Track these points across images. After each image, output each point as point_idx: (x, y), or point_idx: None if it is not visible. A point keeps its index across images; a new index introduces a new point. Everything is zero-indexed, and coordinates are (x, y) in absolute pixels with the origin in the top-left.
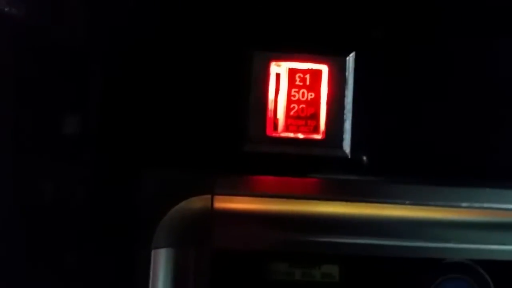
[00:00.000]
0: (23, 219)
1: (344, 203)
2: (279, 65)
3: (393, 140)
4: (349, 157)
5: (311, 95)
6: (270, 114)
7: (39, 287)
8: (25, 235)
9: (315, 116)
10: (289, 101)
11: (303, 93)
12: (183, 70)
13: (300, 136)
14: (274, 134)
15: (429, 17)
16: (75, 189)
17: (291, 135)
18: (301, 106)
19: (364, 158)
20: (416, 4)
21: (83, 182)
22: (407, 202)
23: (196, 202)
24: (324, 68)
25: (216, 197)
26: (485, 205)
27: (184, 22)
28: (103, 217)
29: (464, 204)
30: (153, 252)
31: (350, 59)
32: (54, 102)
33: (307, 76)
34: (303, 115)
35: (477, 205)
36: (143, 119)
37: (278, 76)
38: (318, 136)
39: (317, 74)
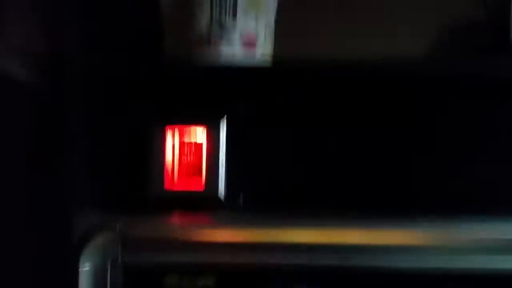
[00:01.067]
0: None
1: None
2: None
3: (260, 185)
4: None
5: (194, 156)
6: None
7: None
8: None
9: (199, 173)
10: (181, 161)
11: (189, 159)
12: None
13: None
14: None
15: None
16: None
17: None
18: (189, 164)
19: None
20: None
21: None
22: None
23: (108, 236)
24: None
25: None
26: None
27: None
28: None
29: None
30: (80, 271)
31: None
32: None
33: (192, 146)
34: (190, 173)
35: None
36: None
37: (173, 146)
38: (200, 189)
39: (198, 146)
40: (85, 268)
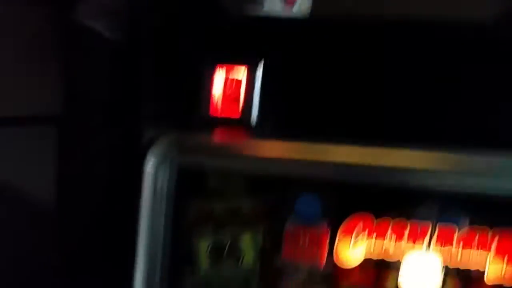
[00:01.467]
0: None
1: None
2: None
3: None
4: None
5: (235, 90)
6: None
7: None
8: None
9: (237, 101)
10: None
11: (232, 89)
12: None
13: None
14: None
15: None
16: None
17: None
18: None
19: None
20: None
21: None
22: None
23: (167, 141)
24: (243, 76)
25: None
26: None
27: None
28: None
29: None
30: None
31: (258, 72)
32: None
33: (234, 82)
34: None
35: None
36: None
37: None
38: (237, 115)
39: (239, 82)
40: (150, 164)
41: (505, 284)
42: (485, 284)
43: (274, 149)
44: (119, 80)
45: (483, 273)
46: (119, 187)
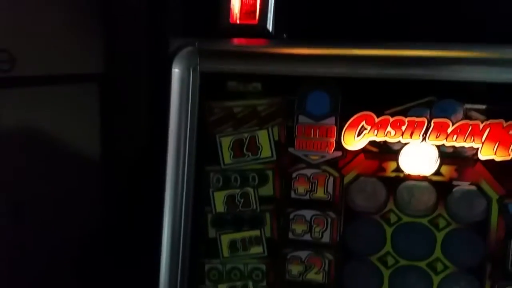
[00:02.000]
0: None
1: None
2: None
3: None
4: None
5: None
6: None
7: None
8: None
9: (254, 12)
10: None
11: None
12: None
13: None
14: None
15: None
16: None
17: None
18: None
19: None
20: None
21: None
22: None
23: (190, 49)
24: None
25: (200, 47)
26: None
27: None
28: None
29: None
30: (173, 72)
31: None
32: None
33: None
34: (249, 12)
35: None
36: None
37: None
38: (255, 22)
39: None
40: (176, 70)
41: (496, 158)
42: (479, 159)
43: (285, 50)
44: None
45: (476, 152)
46: (153, 92)
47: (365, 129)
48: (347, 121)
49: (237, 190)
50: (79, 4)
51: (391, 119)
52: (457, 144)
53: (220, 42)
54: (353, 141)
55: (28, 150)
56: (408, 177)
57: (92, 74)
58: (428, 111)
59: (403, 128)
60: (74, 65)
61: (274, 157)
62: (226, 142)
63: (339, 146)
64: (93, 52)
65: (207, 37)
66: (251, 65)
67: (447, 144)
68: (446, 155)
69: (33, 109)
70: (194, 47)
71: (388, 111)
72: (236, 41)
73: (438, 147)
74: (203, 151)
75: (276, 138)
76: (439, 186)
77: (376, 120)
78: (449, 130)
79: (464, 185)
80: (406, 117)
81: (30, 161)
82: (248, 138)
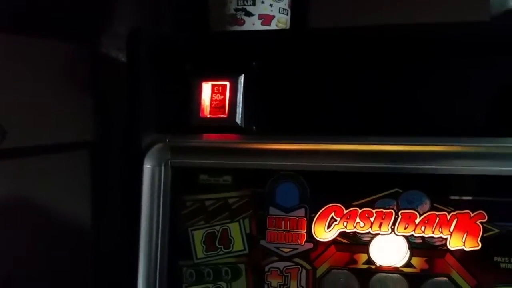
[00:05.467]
0: None
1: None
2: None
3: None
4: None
5: (221, 96)
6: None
7: None
8: None
9: (223, 106)
10: (212, 99)
11: (217, 96)
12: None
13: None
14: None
15: None
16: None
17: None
18: (216, 102)
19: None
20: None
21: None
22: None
23: (162, 145)
24: (227, 83)
25: (170, 143)
26: None
27: None
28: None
29: None
30: (144, 168)
31: (241, 78)
32: None
33: (220, 88)
34: (218, 106)
35: None
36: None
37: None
38: (224, 116)
39: (224, 86)
40: (147, 166)
41: (466, 248)
42: (448, 250)
43: (255, 145)
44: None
45: (445, 242)
46: (125, 187)
47: (335, 220)
48: (316, 212)
49: (210, 285)
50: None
51: (360, 211)
52: (425, 235)
53: (191, 137)
54: (324, 233)
55: (19, 221)
56: (380, 269)
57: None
58: (395, 202)
59: (372, 219)
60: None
61: (247, 250)
62: (198, 236)
63: (310, 238)
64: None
65: (179, 131)
66: (222, 160)
67: (416, 234)
68: (416, 246)
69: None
70: (165, 143)
71: (356, 203)
72: (206, 136)
73: (407, 238)
74: (175, 245)
75: (248, 231)
76: (411, 278)
77: (345, 211)
78: (417, 221)
79: (436, 277)
80: (373, 208)
81: (20, 233)
82: (220, 231)
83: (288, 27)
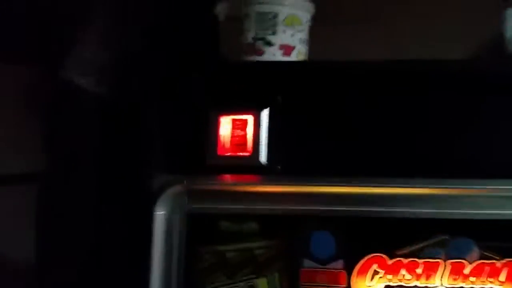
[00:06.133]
0: None
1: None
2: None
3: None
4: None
5: (243, 132)
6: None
7: None
8: None
9: (245, 143)
10: (232, 135)
11: (238, 131)
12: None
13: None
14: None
15: None
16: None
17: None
18: (237, 138)
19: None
20: None
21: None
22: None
23: (177, 188)
24: (250, 118)
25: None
26: None
27: None
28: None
29: None
30: (156, 215)
31: (264, 113)
32: None
33: (241, 123)
34: (239, 143)
35: None
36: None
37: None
38: (247, 154)
39: (245, 121)
40: (160, 213)
41: None
42: None
43: (284, 187)
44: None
45: None
46: (130, 237)
47: (377, 273)
48: (356, 264)
49: None
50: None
51: (405, 261)
52: (475, 286)
53: (211, 179)
54: (366, 287)
55: None
56: None
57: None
58: (442, 251)
59: (418, 271)
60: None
61: None
62: None
63: None
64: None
65: (194, 172)
66: (247, 205)
67: (466, 286)
68: None
69: None
70: (182, 185)
71: (401, 252)
72: (227, 177)
73: None
74: None
75: (279, 287)
76: None
77: (389, 262)
78: (466, 271)
79: None
80: (420, 258)
81: None
82: None
83: (306, 59)
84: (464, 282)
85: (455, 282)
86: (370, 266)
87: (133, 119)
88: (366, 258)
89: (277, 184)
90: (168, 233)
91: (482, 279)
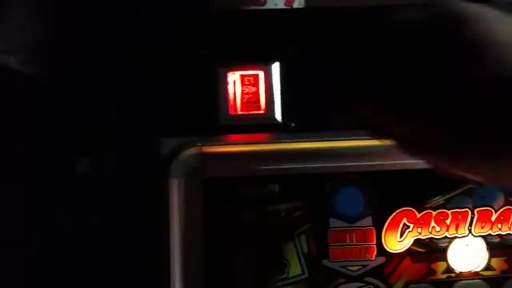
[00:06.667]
0: None
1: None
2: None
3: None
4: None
5: (254, 88)
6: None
7: None
8: None
9: (258, 101)
10: (243, 93)
11: (249, 88)
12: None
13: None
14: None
15: None
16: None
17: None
18: (249, 95)
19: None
20: None
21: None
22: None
23: (192, 150)
24: (260, 73)
25: (203, 147)
26: None
27: None
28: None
29: None
30: (170, 181)
31: (275, 66)
32: None
33: (252, 78)
34: (251, 101)
35: None
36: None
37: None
38: (261, 111)
39: (256, 77)
40: (174, 179)
41: None
42: None
43: (306, 144)
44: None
45: None
46: (144, 207)
47: (408, 227)
48: (386, 220)
49: None
50: None
51: (434, 213)
52: (503, 233)
53: (226, 140)
54: (396, 243)
55: None
56: (460, 276)
57: None
58: (470, 200)
59: (448, 221)
60: None
61: (306, 274)
62: (241, 262)
63: (381, 250)
64: None
65: (204, 135)
66: (267, 165)
67: (493, 233)
68: (494, 246)
69: None
70: (196, 148)
71: (429, 205)
72: (242, 138)
73: (485, 238)
74: (213, 276)
75: (306, 250)
76: (492, 281)
77: (418, 216)
78: (493, 218)
79: None
80: (448, 209)
81: None
82: (270, 253)
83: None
84: (491, 229)
85: (483, 230)
86: (399, 221)
87: (138, 84)
88: (395, 213)
89: (298, 141)
90: (185, 200)
91: (508, 225)
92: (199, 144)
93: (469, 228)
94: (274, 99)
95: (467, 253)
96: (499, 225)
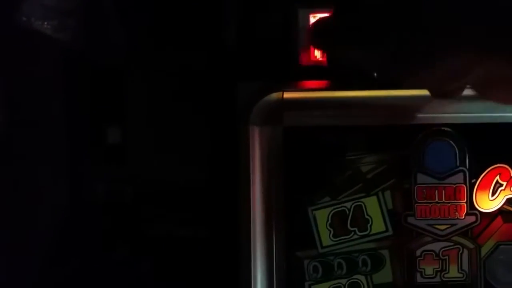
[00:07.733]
0: None
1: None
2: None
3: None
4: None
5: None
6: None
7: None
8: None
9: None
10: None
11: None
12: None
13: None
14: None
15: None
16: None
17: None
18: None
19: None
20: None
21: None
22: None
23: (273, 96)
24: None
25: (285, 92)
26: None
27: None
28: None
29: None
30: (250, 127)
31: None
32: None
33: None
34: None
35: None
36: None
37: None
38: None
39: None
40: (254, 126)
41: None
42: None
43: (393, 92)
44: None
45: None
46: (217, 158)
47: (501, 185)
48: (478, 177)
49: (344, 281)
50: None
51: None
52: None
53: (310, 86)
54: (488, 202)
55: None
56: None
57: None
58: None
59: None
60: None
61: (390, 231)
62: (322, 217)
63: (471, 209)
64: None
65: (285, 80)
66: (352, 115)
67: None
68: None
69: None
70: (278, 93)
71: None
72: (327, 84)
73: None
74: (291, 232)
75: (390, 206)
76: None
77: None
78: None
79: None
80: None
81: None
82: (352, 208)
83: None
84: None
85: None
86: (492, 179)
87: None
88: (488, 169)
89: (386, 89)
90: (266, 149)
91: None
92: (281, 90)
93: None
94: None
95: None
96: None
